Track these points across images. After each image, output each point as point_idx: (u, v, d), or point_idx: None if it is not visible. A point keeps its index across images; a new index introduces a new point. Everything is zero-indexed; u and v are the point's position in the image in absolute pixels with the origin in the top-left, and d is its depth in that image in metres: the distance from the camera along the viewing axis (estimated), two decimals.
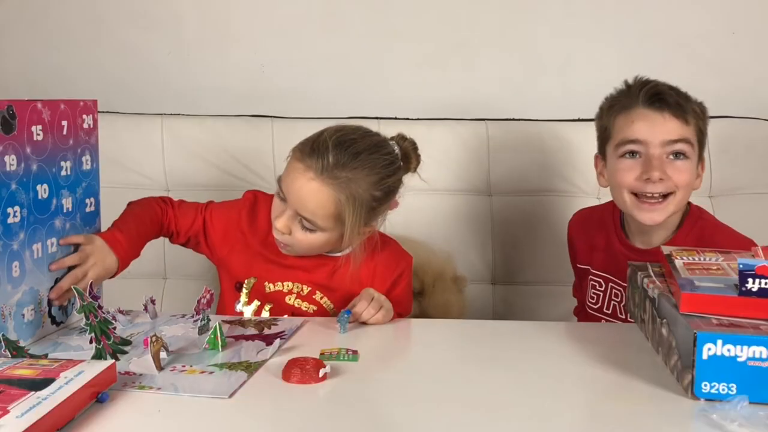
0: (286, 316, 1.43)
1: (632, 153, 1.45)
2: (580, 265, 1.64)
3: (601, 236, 1.55)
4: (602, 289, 1.56)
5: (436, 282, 1.65)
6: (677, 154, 1.43)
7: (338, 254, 1.48)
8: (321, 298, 1.49)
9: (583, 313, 1.64)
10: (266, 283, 1.49)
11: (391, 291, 1.47)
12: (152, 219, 1.49)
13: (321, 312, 1.49)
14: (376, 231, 1.48)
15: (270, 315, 1.46)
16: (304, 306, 1.49)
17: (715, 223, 1.50)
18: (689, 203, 1.51)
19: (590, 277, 1.60)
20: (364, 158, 1.39)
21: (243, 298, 1.46)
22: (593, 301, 1.59)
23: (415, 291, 1.61)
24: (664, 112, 1.42)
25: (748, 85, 2.07)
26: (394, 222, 1.56)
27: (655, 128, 1.43)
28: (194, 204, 1.55)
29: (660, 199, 1.44)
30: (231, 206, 1.55)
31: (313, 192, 1.37)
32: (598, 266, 1.58)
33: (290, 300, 1.49)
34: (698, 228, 1.46)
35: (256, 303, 1.46)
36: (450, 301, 1.65)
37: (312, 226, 1.39)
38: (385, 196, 1.43)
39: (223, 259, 1.53)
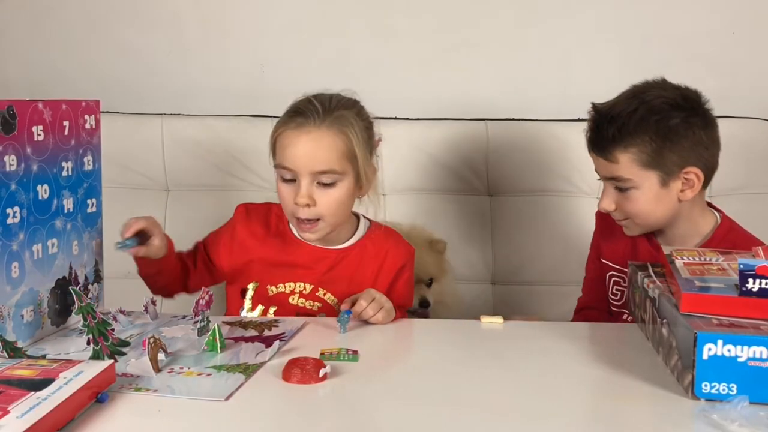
0: (287, 317, 1.43)
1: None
2: (604, 260, 1.63)
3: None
4: (626, 285, 1.56)
5: None
6: (621, 188, 1.47)
7: (339, 246, 1.50)
8: (324, 294, 1.50)
9: (603, 313, 1.62)
10: (268, 287, 1.51)
11: (395, 282, 1.51)
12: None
13: (326, 308, 1.50)
14: (375, 185, 1.51)
15: (275, 317, 1.46)
16: (309, 304, 1.50)
17: (747, 235, 1.50)
18: (721, 214, 1.53)
19: (612, 273, 1.59)
20: (339, 98, 1.46)
21: (247, 304, 1.46)
22: (616, 298, 1.58)
23: None
24: (595, 154, 1.48)
25: (748, 85, 2.07)
26: (395, 223, 1.55)
27: (597, 168, 1.51)
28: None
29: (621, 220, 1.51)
30: (226, 226, 1.57)
31: (319, 141, 1.40)
32: (623, 262, 1.57)
33: (294, 300, 1.50)
34: (730, 240, 1.46)
35: (260, 308, 1.46)
36: (424, 260, 1.66)
37: (331, 178, 1.41)
38: (371, 125, 1.49)
39: (230, 275, 1.55)
